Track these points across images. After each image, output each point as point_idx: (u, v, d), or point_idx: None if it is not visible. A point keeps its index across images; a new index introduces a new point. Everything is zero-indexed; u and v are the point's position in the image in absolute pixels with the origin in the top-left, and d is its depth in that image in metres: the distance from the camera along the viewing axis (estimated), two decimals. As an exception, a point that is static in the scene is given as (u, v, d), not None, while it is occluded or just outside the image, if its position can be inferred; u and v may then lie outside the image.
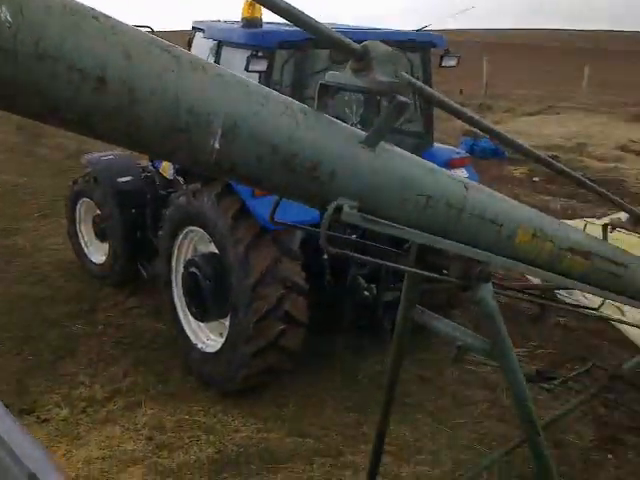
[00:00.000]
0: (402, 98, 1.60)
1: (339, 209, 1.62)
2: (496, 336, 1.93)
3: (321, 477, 3.90)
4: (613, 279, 2.21)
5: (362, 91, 1.68)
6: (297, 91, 4.54)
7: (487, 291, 1.89)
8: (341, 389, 4.88)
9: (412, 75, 6.38)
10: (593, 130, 17.45)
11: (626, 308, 6.62)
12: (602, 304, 2.65)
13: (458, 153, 5.50)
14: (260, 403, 4.65)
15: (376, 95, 1.69)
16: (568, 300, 6.67)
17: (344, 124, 1.76)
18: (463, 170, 5.33)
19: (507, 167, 13.01)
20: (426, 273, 1.95)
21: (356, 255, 1.87)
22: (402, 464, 4.08)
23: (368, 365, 5.18)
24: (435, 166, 1.90)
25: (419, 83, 1.70)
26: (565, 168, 2.11)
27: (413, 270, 2.02)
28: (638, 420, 4.49)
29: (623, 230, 2.42)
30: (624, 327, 6.15)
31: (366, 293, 4.84)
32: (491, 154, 13.12)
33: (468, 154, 5.64)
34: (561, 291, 5.97)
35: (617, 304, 6.93)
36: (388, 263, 1.88)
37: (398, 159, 1.80)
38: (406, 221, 1.77)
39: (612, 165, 13.47)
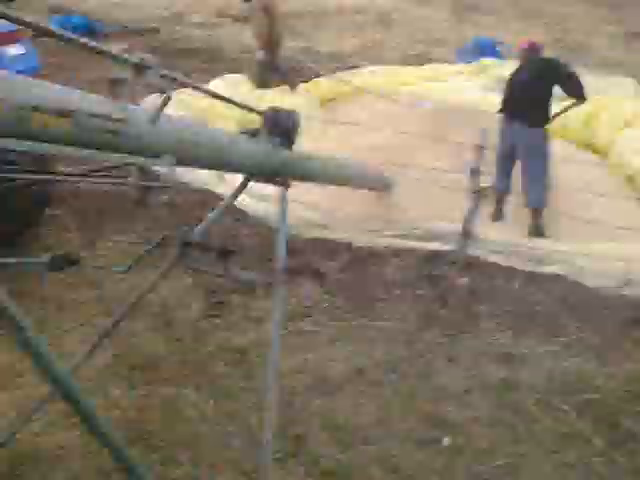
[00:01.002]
0: None
1: None
2: None
3: None
4: (113, 137, 1.95)
5: None
6: None
7: None
8: None
9: None
10: (190, -2, 17.33)
11: (227, 176, 6.89)
12: (125, 167, 2.36)
13: (6, 27, 4.76)
14: None
15: None
16: (175, 178, 6.67)
17: None
18: (18, 46, 4.69)
19: (107, 44, 12.24)
20: None
21: None
22: (-1, 393, 3.68)
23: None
24: None
25: None
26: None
27: None
28: (238, 282, 4.74)
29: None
30: (225, 194, 6.41)
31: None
32: (86, 30, 12.15)
33: (20, 28, 4.93)
34: (160, 169, 5.87)
35: (218, 173, 7.17)
36: None
37: None
38: None
39: (211, 32, 13.66)
